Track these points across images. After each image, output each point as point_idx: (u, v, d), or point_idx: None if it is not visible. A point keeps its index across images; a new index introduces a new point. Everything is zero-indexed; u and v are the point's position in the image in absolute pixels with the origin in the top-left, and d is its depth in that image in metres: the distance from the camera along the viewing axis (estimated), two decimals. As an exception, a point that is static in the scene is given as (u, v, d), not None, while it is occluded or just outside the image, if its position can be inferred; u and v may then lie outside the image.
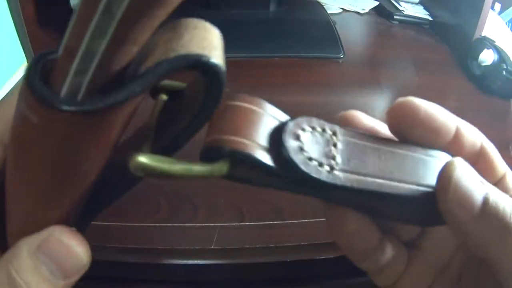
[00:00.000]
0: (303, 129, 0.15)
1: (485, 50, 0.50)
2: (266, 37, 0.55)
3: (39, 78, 0.12)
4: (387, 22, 0.64)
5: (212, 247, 0.29)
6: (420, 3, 0.68)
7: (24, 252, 0.15)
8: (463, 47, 0.54)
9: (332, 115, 0.49)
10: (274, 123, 0.15)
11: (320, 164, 0.15)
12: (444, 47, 0.58)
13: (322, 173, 0.15)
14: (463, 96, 0.48)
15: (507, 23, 0.67)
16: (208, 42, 0.13)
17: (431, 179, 0.17)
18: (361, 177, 0.15)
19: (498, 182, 0.18)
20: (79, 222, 0.17)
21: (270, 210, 0.32)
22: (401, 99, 0.18)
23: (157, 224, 0.30)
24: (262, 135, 0.15)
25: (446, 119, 0.19)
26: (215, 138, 0.14)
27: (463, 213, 0.16)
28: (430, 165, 0.17)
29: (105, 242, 0.29)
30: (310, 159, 0.15)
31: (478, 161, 0.18)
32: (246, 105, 0.15)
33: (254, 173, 0.15)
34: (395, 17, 0.63)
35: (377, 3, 0.68)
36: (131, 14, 0.11)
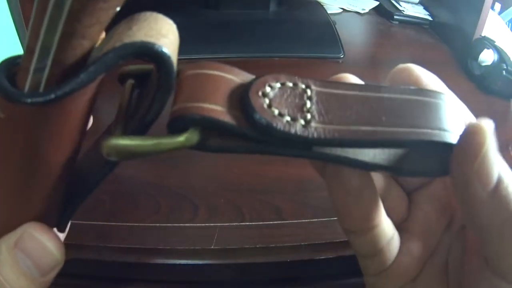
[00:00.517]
0: (271, 86, 0.14)
1: (485, 50, 0.50)
2: (266, 37, 0.55)
3: (5, 78, 0.13)
4: (387, 22, 0.64)
5: (212, 247, 0.29)
6: (420, 3, 0.68)
7: (3, 249, 0.15)
8: (463, 47, 0.54)
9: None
10: (243, 87, 0.15)
11: (294, 119, 0.14)
12: (444, 47, 0.58)
13: (297, 128, 0.14)
14: (463, 96, 0.48)
15: (507, 23, 0.66)
16: (156, 31, 0.13)
17: (438, 123, 0.15)
18: (343, 127, 0.14)
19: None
20: (58, 218, 0.17)
21: (270, 210, 0.32)
22: (402, 65, 0.17)
23: (157, 224, 0.30)
24: (230, 99, 0.14)
25: (444, 88, 0.18)
26: (181, 107, 0.14)
27: (480, 188, 0.14)
28: (435, 108, 0.15)
29: (105, 242, 0.29)
30: (281, 114, 0.14)
31: None
32: (212, 71, 0.15)
33: (226, 140, 0.15)
34: (395, 17, 0.63)
35: (377, 3, 0.68)
36: (77, 7, 0.11)
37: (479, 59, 0.51)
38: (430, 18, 0.64)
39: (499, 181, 0.14)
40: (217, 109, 0.14)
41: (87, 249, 0.29)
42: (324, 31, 0.56)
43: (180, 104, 0.14)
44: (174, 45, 0.14)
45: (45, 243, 0.16)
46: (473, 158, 0.14)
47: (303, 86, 0.15)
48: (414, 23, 0.64)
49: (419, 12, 0.65)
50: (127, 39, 0.12)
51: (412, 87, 0.16)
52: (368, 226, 0.17)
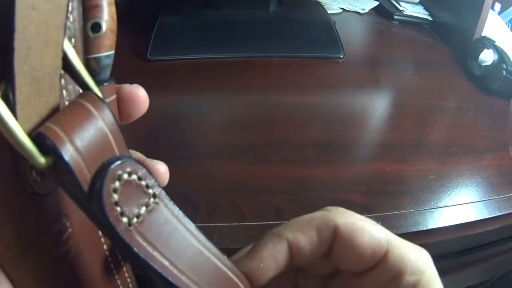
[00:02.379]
0: (119, 179, 0.13)
1: (485, 50, 0.50)
2: (266, 37, 0.55)
3: None
4: (387, 22, 0.64)
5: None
6: (420, 3, 0.68)
7: None
8: (463, 47, 0.54)
9: (331, 115, 0.49)
10: (104, 164, 0.13)
11: (128, 219, 0.13)
12: (444, 47, 0.58)
13: (120, 224, 0.13)
14: (463, 96, 0.48)
15: (507, 23, 0.66)
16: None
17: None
18: (150, 249, 0.13)
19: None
20: None
21: (270, 210, 0.32)
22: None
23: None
24: (94, 161, 0.12)
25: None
26: (55, 129, 0.12)
27: None
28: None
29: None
30: (122, 214, 0.13)
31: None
32: (85, 103, 0.13)
33: (66, 182, 0.13)
34: (395, 17, 0.63)
35: (377, 3, 0.68)
36: None
37: (479, 59, 0.51)
38: (430, 18, 0.64)
39: None
40: (79, 159, 0.12)
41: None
42: (324, 31, 0.56)
43: (57, 125, 0.12)
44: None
45: None
46: None
47: (151, 193, 0.14)
48: (414, 23, 0.64)
49: (419, 12, 0.65)
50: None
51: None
52: None
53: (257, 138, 0.40)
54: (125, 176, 0.13)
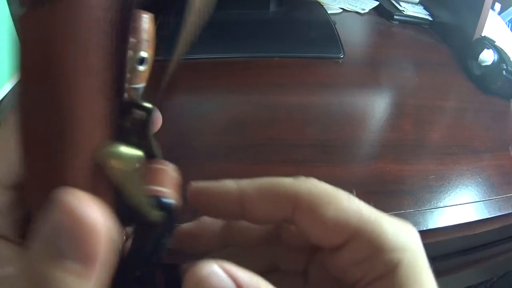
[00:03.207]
0: None
1: (485, 50, 0.50)
2: (266, 37, 0.55)
3: None
4: (387, 22, 0.64)
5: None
6: (420, 3, 0.68)
7: None
8: (463, 47, 0.54)
9: (331, 115, 0.49)
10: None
11: None
12: (444, 47, 0.58)
13: None
14: (463, 96, 0.48)
15: (507, 23, 0.66)
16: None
17: None
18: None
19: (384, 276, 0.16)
20: None
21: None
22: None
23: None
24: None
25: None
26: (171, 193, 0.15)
27: None
28: None
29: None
30: None
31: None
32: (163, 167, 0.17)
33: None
34: (395, 17, 0.63)
35: (377, 3, 0.68)
36: None
37: (479, 59, 0.51)
38: (430, 18, 0.64)
39: None
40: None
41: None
42: (324, 31, 0.56)
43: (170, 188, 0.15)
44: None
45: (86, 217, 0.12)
46: None
47: None
48: (414, 23, 0.64)
49: (419, 12, 0.65)
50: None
51: None
52: None
53: (257, 138, 0.40)
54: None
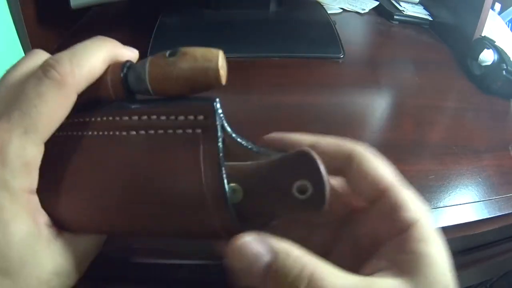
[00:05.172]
0: None
1: (485, 50, 0.50)
2: (266, 37, 0.55)
3: None
4: (387, 22, 0.64)
5: (212, 247, 0.29)
6: (420, 3, 0.68)
7: None
8: (463, 47, 0.54)
9: (331, 115, 0.49)
10: None
11: None
12: (444, 47, 0.58)
13: None
14: (463, 96, 0.48)
15: (507, 23, 0.66)
16: None
17: None
18: None
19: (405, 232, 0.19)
20: None
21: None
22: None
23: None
24: None
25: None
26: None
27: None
28: None
29: (105, 242, 0.29)
30: None
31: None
32: None
33: None
34: (395, 17, 0.63)
35: (377, 3, 0.68)
36: None
37: (479, 59, 0.51)
38: (430, 18, 0.64)
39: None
40: None
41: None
42: (324, 31, 0.56)
43: None
44: None
45: None
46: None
47: None
48: (414, 23, 0.64)
49: (419, 12, 0.65)
50: None
51: None
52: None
53: (257, 138, 0.39)
54: None
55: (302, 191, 0.17)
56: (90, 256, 0.22)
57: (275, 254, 0.17)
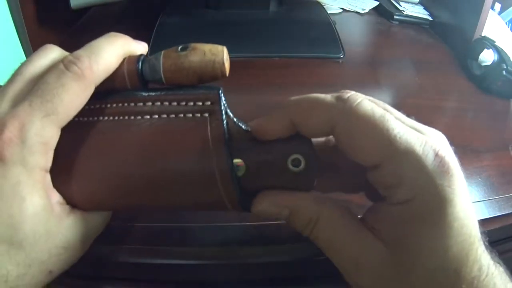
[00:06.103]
0: None
1: (485, 50, 0.50)
2: (266, 37, 0.55)
3: None
4: (387, 22, 0.64)
5: (212, 247, 0.29)
6: (420, 3, 0.68)
7: None
8: (463, 47, 0.54)
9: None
10: None
11: None
12: (444, 47, 0.58)
13: None
14: (463, 96, 0.48)
15: (507, 23, 0.66)
16: None
17: None
18: None
19: None
20: None
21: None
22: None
23: (157, 224, 0.30)
24: None
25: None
26: None
27: None
28: None
29: (105, 242, 0.29)
30: None
31: None
32: None
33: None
34: (395, 17, 0.63)
35: (377, 3, 0.68)
36: None
37: (479, 59, 0.51)
38: (430, 18, 0.64)
39: None
40: None
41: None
42: (324, 31, 0.56)
43: None
44: None
45: None
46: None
47: None
48: (414, 23, 0.64)
49: (419, 12, 0.65)
50: None
51: None
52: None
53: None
54: None
55: (296, 164, 0.21)
56: (98, 231, 0.24)
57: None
